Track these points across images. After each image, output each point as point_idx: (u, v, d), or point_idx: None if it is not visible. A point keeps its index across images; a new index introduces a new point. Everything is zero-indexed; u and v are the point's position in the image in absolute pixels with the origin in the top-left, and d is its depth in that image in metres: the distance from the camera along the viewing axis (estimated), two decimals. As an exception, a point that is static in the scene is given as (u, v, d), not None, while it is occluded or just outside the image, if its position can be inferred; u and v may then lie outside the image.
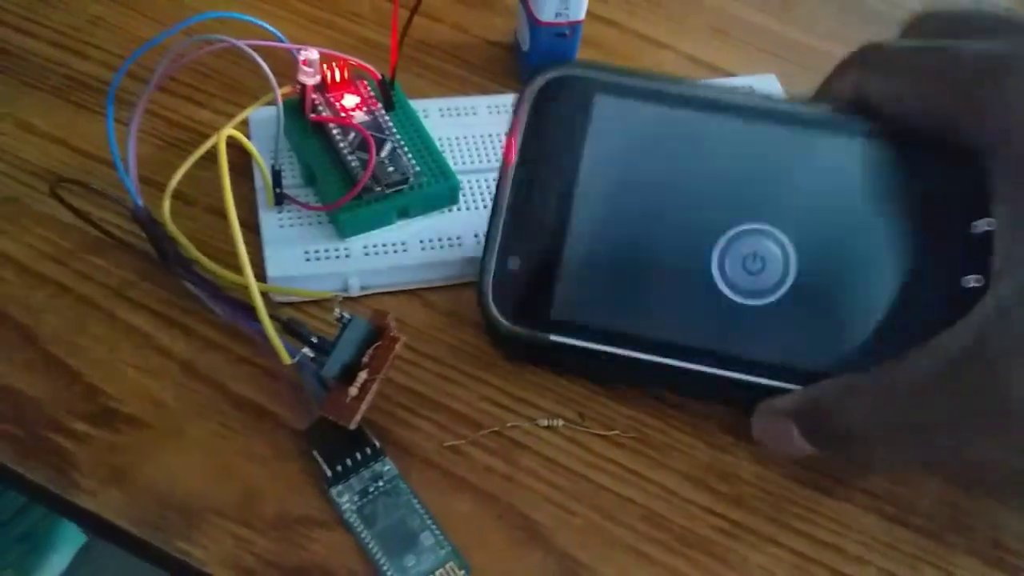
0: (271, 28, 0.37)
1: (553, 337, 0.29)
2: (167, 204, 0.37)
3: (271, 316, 0.33)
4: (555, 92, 0.30)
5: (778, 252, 0.28)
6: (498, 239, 0.31)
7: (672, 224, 0.29)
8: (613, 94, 0.30)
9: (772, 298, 0.28)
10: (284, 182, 0.39)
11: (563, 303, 0.30)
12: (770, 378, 0.29)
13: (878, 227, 0.30)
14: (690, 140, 0.30)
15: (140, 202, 0.36)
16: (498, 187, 0.33)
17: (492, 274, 0.31)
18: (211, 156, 0.39)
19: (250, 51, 0.34)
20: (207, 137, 0.41)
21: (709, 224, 0.29)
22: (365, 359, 0.33)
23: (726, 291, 0.28)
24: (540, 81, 0.31)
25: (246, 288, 0.34)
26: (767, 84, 0.48)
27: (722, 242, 0.28)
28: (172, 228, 0.36)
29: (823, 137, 0.31)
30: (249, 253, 0.34)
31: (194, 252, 0.36)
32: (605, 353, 0.29)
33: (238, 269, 0.34)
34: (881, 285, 0.30)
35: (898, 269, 0.30)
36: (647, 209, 0.30)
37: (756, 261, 0.28)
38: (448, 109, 0.44)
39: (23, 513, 0.74)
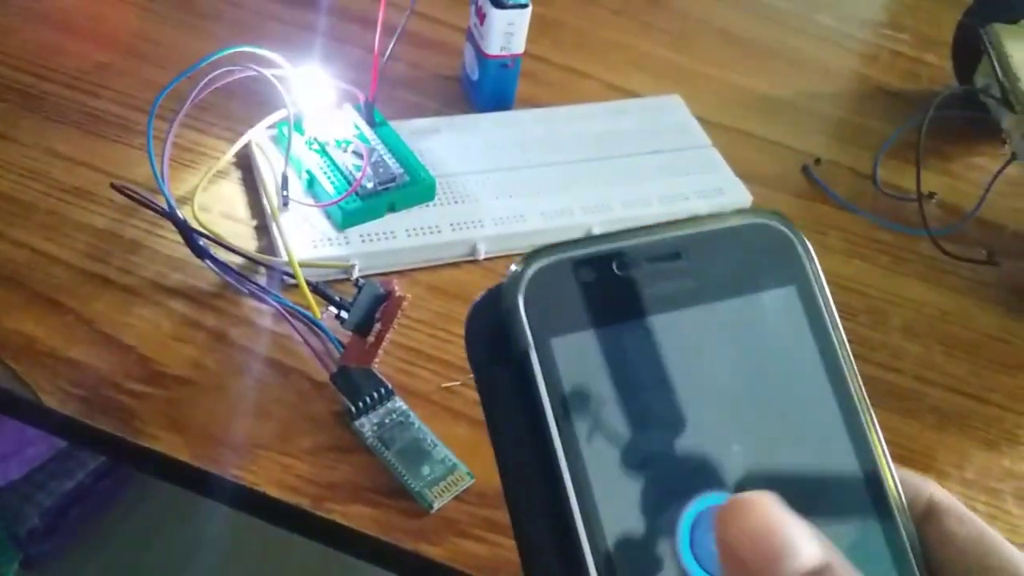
0: (278, 58, 0.45)
1: (532, 354, 0.21)
2: (196, 204, 0.44)
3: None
4: (763, 236, 0.24)
5: None
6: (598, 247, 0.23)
7: (699, 432, 0.22)
8: (800, 292, 0.23)
9: None
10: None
11: (568, 351, 0.22)
12: None
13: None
14: (793, 382, 0.23)
15: (173, 204, 0.44)
16: None
17: (559, 256, 0.22)
18: (221, 173, 0.47)
19: (271, 77, 0.42)
20: (213, 158, 0.48)
21: (678, 488, 0.21)
22: (377, 315, 0.41)
23: (682, 540, 0.20)
24: (762, 218, 0.24)
25: (267, 269, 0.42)
26: (672, 102, 0.59)
27: (692, 513, 0.21)
28: (203, 224, 0.44)
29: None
30: (263, 247, 0.42)
31: (227, 241, 0.43)
32: (541, 427, 0.20)
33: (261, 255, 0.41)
34: None
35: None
36: (700, 389, 0.22)
37: None
38: (416, 128, 0.52)
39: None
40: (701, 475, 0.21)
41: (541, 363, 0.20)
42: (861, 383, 0.23)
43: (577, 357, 0.21)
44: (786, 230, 0.23)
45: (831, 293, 0.23)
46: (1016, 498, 0.44)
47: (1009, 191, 0.58)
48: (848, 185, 0.59)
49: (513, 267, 0.21)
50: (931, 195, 0.58)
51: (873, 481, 0.22)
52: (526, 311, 0.21)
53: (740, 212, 0.23)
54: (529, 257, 0.21)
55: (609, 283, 0.22)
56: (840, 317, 0.23)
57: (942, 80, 0.69)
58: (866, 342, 0.49)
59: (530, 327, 0.21)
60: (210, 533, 1.08)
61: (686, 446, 0.21)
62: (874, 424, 0.22)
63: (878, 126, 0.64)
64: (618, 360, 0.21)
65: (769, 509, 0.19)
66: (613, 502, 0.20)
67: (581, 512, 0.20)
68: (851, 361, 0.23)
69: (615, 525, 0.20)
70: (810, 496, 0.20)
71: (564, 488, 0.20)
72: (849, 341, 0.22)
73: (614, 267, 0.22)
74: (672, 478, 0.21)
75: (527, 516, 0.21)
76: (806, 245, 0.23)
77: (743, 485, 0.21)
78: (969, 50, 0.63)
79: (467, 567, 0.37)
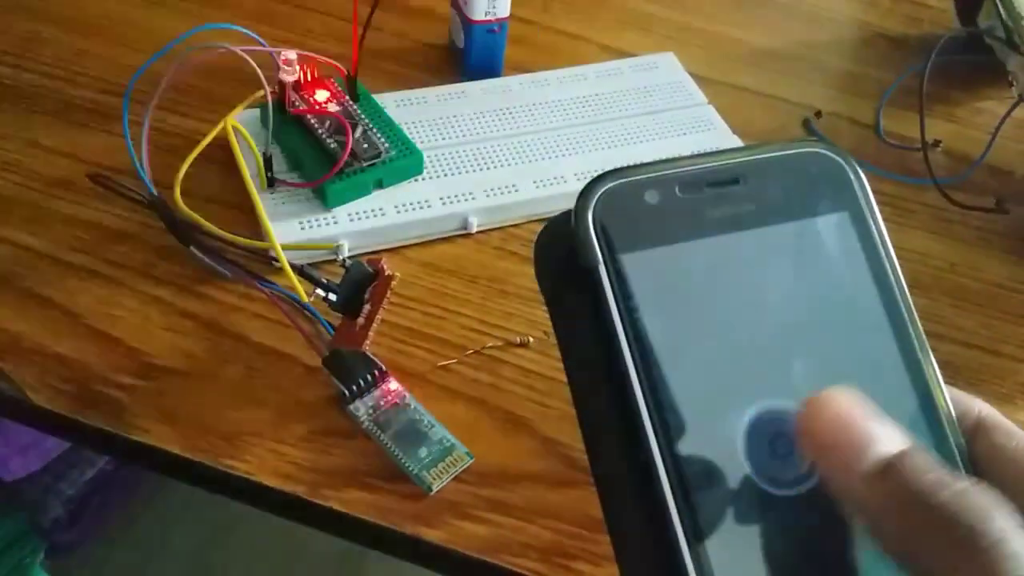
0: (254, 35, 0.44)
1: (601, 269, 0.22)
2: (178, 190, 0.43)
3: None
4: (817, 165, 0.25)
5: None
6: (664, 170, 0.24)
7: (757, 344, 0.23)
8: (853, 217, 0.25)
9: (792, 491, 0.22)
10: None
11: (637, 266, 0.23)
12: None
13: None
14: (844, 306, 0.24)
15: (155, 192, 0.43)
16: None
17: (628, 178, 0.24)
18: (205, 156, 0.45)
19: (244, 54, 0.41)
20: (195, 141, 0.47)
21: (738, 396, 0.23)
22: (366, 296, 0.40)
23: (740, 439, 0.22)
24: (816, 147, 0.25)
25: (257, 254, 0.41)
26: (667, 61, 0.57)
27: (750, 419, 0.22)
28: (186, 210, 0.43)
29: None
30: (249, 231, 0.41)
31: (209, 226, 0.42)
32: (612, 337, 0.22)
33: (247, 239, 0.40)
34: None
35: None
36: (758, 308, 0.24)
37: (784, 444, 0.22)
38: (402, 100, 0.51)
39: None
40: (759, 386, 0.22)
41: (610, 277, 0.22)
42: (911, 302, 0.24)
43: (643, 273, 0.23)
44: (839, 158, 0.24)
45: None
46: (1032, 451, 0.43)
47: (1017, 135, 0.57)
48: (850, 137, 0.57)
49: (582, 189, 0.23)
50: (936, 143, 0.56)
51: (925, 397, 0.23)
52: (595, 230, 0.22)
53: (795, 141, 0.25)
54: (597, 180, 0.23)
55: (672, 205, 0.23)
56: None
57: (944, 23, 0.66)
58: (873, 298, 0.47)
59: (599, 244, 0.22)
60: (235, 513, 1.08)
61: (745, 358, 0.23)
62: (924, 341, 0.23)
63: (879, 74, 0.62)
64: (681, 276, 0.23)
65: (848, 402, 0.20)
66: (678, 408, 0.22)
67: (650, 420, 0.21)
68: (902, 281, 0.24)
69: (679, 427, 0.21)
70: None
71: (634, 394, 0.21)
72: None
73: (677, 190, 0.23)
74: (731, 387, 0.22)
75: (600, 431, 0.23)
76: (858, 172, 0.24)
77: (799, 396, 0.22)
78: (971, -9, 0.61)
79: (468, 549, 0.36)
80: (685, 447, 0.21)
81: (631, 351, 0.22)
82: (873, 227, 0.24)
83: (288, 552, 1.09)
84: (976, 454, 0.22)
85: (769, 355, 0.23)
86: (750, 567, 0.21)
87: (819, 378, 0.22)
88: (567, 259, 0.23)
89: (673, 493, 0.21)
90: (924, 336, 0.23)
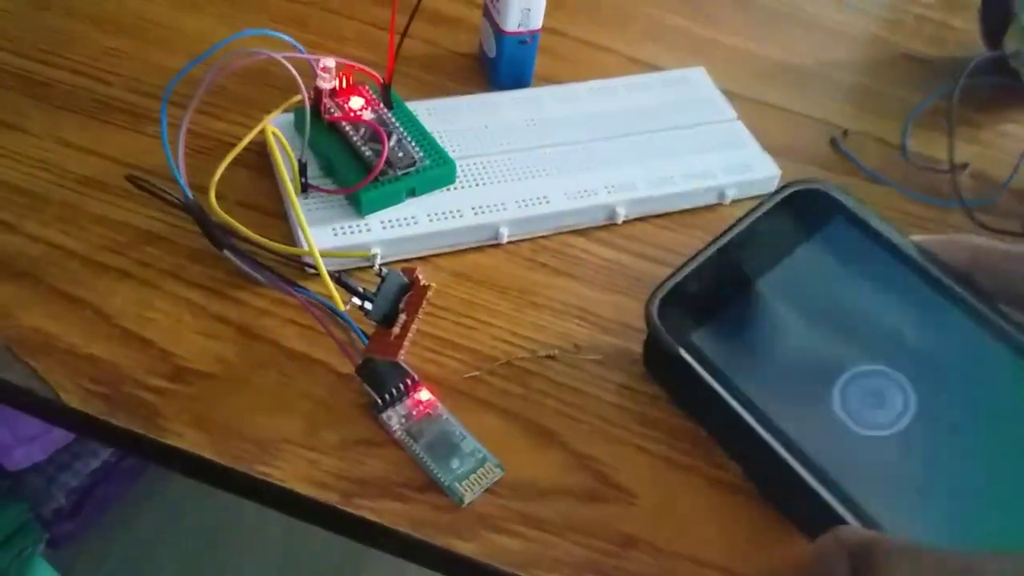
0: (293, 41, 0.44)
1: (682, 352, 0.31)
2: (213, 194, 0.43)
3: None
4: (804, 199, 0.33)
5: (900, 400, 0.29)
6: (694, 264, 0.33)
7: (820, 337, 0.31)
8: (848, 221, 0.32)
9: (880, 432, 0.29)
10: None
11: (708, 336, 0.31)
12: (844, 507, 0.29)
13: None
14: (876, 283, 0.32)
15: (191, 195, 0.43)
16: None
17: (672, 283, 0.33)
18: (235, 159, 0.45)
19: (284, 62, 0.41)
20: (227, 144, 0.47)
21: (849, 352, 0.30)
22: (401, 305, 0.40)
23: (837, 406, 0.30)
24: (796, 186, 0.33)
25: (290, 260, 0.41)
26: (697, 76, 0.57)
27: (851, 371, 0.30)
28: (221, 214, 0.43)
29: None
30: (282, 236, 0.41)
31: (246, 231, 0.42)
32: (714, 394, 0.31)
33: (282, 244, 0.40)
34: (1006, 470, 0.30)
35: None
36: (809, 313, 0.32)
37: (877, 396, 0.30)
38: (434, 109, 0.51)
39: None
40: (839, 364, 0.31)
41: (690, 354, 0.31)
42: (929, 265, 0.32)
43: (711, 337, 0.32)
44: (816, 187, 0.33)
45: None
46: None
47: (1042, 159, 0.57)
48: (876, 156, 0.57)
49: (646, 305, 0.33)
50: (964, 165, 0.57)
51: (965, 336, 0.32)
52: (664, 328, 0.32)
53: (780, 189, 0.34)
54: (653, 295, 0.33)
55: (711, 282, 0.32)
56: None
57: (969, 45, 0.67)
58: (899, 319, 0.48)
59: (671, 336, 0.32)
60: (236, 506, 1.08)
61: (814, 355, 0.31)
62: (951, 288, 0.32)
63: (904, 94, 0.62)
64: (739, 327, 0.32)
65: None
66: (783, 405, 0.31)
67: (772, 438, 0.30)
68: (913, 247, 0.33)
69: (792, 425, 0.30)
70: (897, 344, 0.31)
71: (747, 420, 0.30)
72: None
73: (711, 270, 0.33)
74: (820, 370, 0.31)
75: (745, 453, 0.33)
76: (839, 190, 0.33)
77: (874, 358, 0.31)
78: (998, 14, 0.61)
79: (501, 563, 0.37)
80: (805, 438, 0.29)
81: (733, 395, 0.30)
82: (873, 223, 0.32)
83: (289, 545, 1.09)
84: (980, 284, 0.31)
85: (831, 344, 0.31)
86: (901, 500, 0.28)
87: (872, 352, 0.31)
88: (659, 355, 0.32)
89: (817, 480, 0.29)
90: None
